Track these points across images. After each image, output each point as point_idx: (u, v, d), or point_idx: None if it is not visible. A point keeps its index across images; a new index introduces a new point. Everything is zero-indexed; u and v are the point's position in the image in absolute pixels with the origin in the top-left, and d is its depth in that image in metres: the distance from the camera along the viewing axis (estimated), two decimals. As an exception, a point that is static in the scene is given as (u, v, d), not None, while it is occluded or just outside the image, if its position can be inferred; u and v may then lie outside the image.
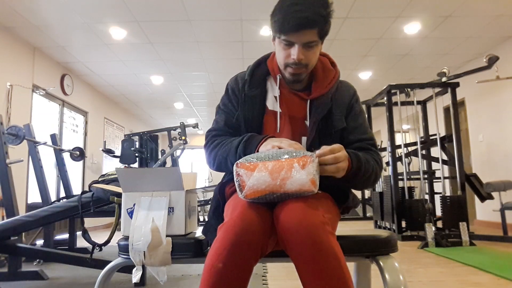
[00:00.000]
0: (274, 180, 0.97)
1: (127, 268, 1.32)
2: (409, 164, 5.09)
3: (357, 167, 1.11)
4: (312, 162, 0.98)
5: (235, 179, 1.01)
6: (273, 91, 1.27)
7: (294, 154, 1.00)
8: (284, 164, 0.97)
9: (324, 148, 1.03)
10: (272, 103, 1.26)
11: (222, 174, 1.32)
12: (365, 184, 1.19)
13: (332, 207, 1.13)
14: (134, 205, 1.26)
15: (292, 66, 1.18)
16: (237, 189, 1.01)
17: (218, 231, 0.97)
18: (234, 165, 1.02)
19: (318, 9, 1.11)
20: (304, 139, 1.23)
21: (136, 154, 4.81)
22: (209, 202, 1.37)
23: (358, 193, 7.92)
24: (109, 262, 1.25)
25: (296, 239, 0.93)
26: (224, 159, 1.21)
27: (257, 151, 1.11)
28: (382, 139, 7.75)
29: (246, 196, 1.00)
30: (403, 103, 4.93)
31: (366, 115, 5.65)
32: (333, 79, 1.26)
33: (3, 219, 3.11)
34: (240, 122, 1.26)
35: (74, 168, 5.95)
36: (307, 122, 1.23)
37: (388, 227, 4.81)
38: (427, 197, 4.95)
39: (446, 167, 5.03)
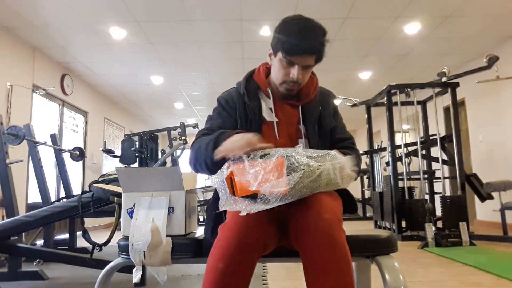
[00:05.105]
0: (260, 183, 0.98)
1: (127, 268, 1.32)
2: (409, 164, 5.09)
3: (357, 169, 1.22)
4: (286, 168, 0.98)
5: (228, 185, 1.05)
6: (266, 103, 1.37)
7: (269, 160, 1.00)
8: (267, 174, 0.98)
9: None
10: (268, 114, 1.35)
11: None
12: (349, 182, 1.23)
13: (341, 208, 1.19)
14: (134, 205, 1.26)
15: (289, 84, 1.29)
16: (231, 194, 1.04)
17: (220, 231, 0.97)
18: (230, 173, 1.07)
19: (320, 38, 1.24)
20: (301, 141, 1.31)
21: (136, 154, 4.81)
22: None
23: (358, 194, 7.91)
24: (109, 262, 1.26)
25: (313, 234, 0.95)
26: (199, 161, 1.21)
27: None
28: (382, 139, 7.74)
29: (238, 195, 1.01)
30: (403, 103, 4.93)
31: (366, 115, 5.74)
32: (316, 86, 1.40)
33: (3, 219, 3.11)
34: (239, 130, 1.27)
35: (74, 168, 5.95)
36: (301, 127, 1.34)
37: (388, 227, 4.81)
38: (427, 197, 4.95)
39: (446, 167, 5.03)
